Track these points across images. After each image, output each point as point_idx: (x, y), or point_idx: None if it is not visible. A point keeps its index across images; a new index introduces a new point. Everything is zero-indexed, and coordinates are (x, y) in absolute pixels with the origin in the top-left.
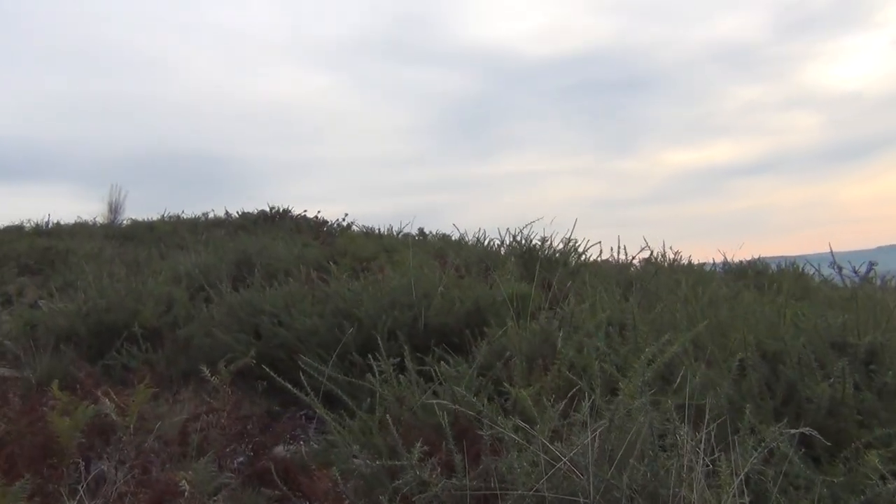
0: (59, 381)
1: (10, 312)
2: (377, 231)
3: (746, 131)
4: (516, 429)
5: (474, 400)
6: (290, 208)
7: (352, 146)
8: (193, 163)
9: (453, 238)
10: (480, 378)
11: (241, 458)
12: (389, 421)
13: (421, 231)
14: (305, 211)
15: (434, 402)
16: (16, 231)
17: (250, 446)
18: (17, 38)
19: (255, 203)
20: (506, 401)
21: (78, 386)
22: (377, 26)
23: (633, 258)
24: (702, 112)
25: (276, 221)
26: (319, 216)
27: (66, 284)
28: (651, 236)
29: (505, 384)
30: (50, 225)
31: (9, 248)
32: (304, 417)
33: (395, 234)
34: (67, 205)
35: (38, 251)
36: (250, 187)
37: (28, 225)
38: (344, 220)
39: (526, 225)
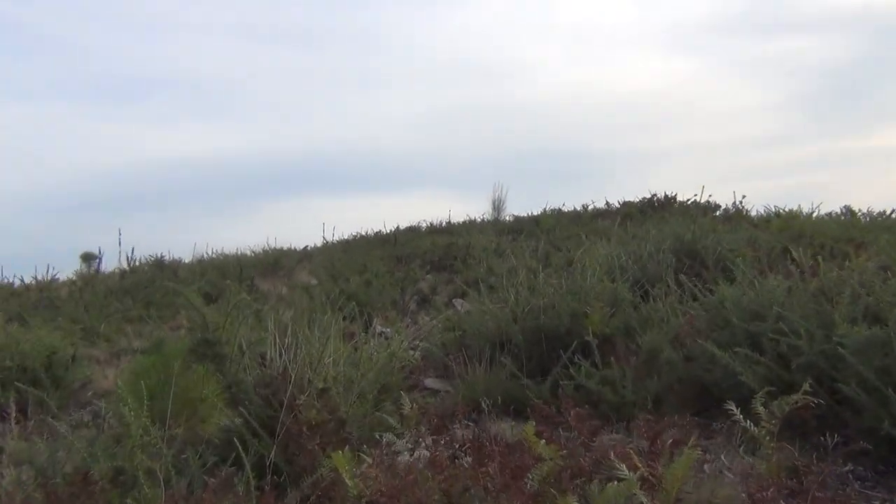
0: (504, 402)
1: (429, 313)
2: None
3: None
4: None
5: None
6: (675, 194)
7: (714, 129)
8: (557, 161)
9: None
10: None
11: None
12: None
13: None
14: (696, 195)
15: None
16: (413, 231)
17: None
18: (394, 59)
19: (622, 193)
20: None
21: (529, 412)
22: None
23: None
24: None
25: (664, 208)
26: (711, 200)
27: (476, 280)
28: None
29: None
30: (443, 224)
31: (413, 247)
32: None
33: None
34: (450, 207)
35: (441, 248)
36: (612, 179)
37: (424, 225)
38: (741, 202)
39: None
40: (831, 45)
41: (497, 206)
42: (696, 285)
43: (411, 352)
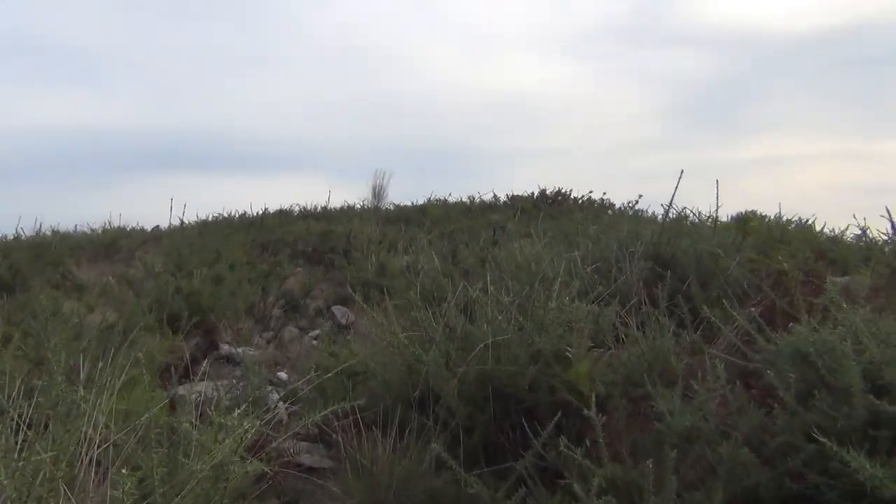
0: None
1: (299, 324)
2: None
3: None
4: None
5: None
6: (570, 190)
7: (589, 133)
8: (441, 156)
9: None
10: None
11: None
12: None
13: None
14: (591, 192)
15: None
16: (284, 216)
17: None
18: (278, 42)
19: (508, 189)
20: None
21: None
22: (616, 12)
23: None
24: None
25: (559, 204)
26: (605, 199)
27: (365, 282)
28: None
29: None
30: (319, 209)
31: (282, 233)
32: None
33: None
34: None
35: (316, 235)
36: (487, 176)
37: (296, 209)
38: (636, 201)
39: None
40: (705, 58)
41: (378, 193)
42: (675, 308)
43: (274, 397)
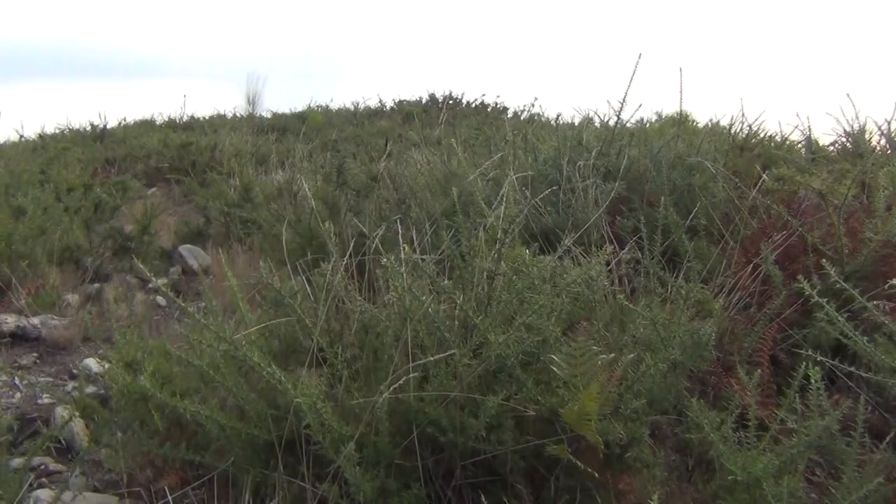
0: None
1: (131, 273)
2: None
3: None
4: None
5: None
6: (462, 94)
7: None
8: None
9: None
10: None
11: None
12: None
13: None
14: (483, 95)
15: None
16: (146, 126)
17: None
18: None
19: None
20: None
21: None
22: None
23: None
24: None
25: (451, 108)
26: (499, 102)
27: (223, 212)
28: None
29: None
30: (184, 119)
31: (135, 145)
32: None
33: None
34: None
35: (174, 149)
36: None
37: (160, 118)
38: (533, 104)
39: None
40: None
41: (252, 100)
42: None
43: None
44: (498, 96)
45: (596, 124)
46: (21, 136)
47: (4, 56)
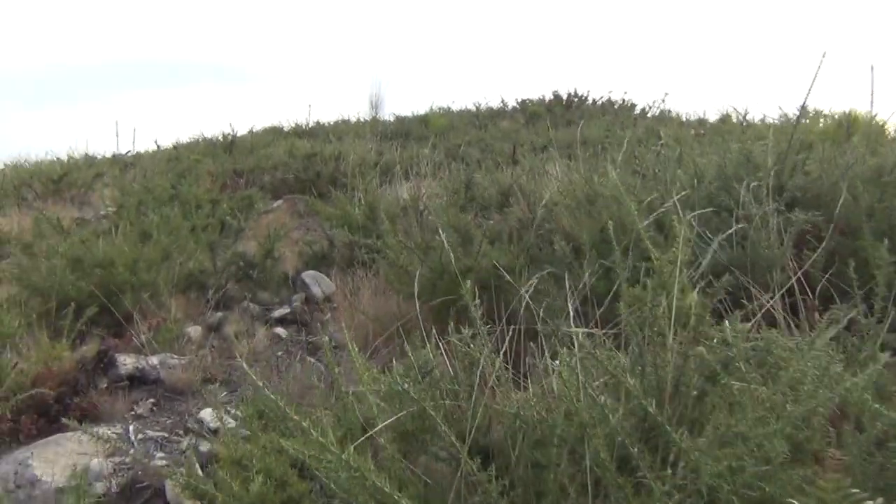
0: None
1: (257, 299)
2: None
3: None
4: None
5: None
6: (586, 92)
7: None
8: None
9: None
10: None
11: None
12: None
13: None
14: (610, 93)
15: None
16: (273, 133)
17: None
18: None
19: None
20: None
21: None
22: None
23: None
24: None
25: (577, 107)
26: (627, 99)
27: (346, 226)
28: None
29: None
30: (309, 125)
31: (262, 156)
32: None
33: None
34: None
35: (299, 159)
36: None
37: (287, 125)
38: (663, 100)
39: None
40: None
41: (375, 103)
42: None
43: None
44: (625, 93)
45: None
46: (158, 147)
47: (132, 66)
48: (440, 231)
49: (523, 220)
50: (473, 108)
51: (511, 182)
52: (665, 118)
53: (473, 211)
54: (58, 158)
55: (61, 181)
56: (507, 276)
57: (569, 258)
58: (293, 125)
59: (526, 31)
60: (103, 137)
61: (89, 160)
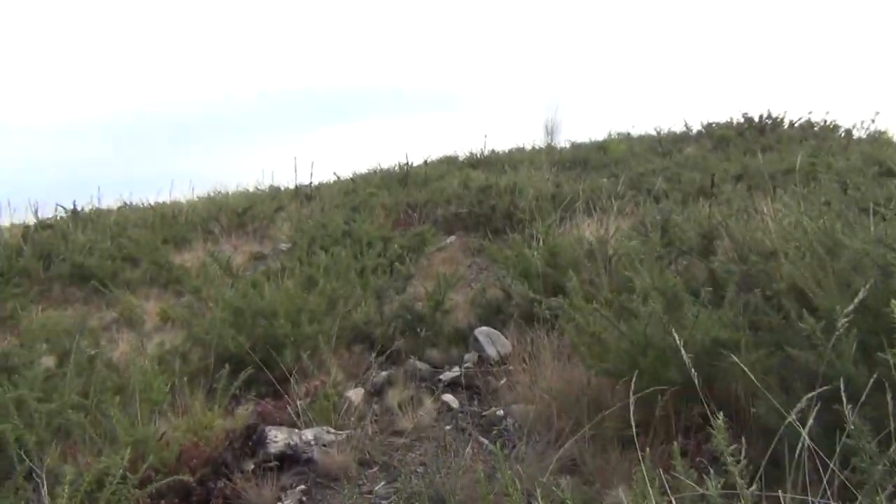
0: None
1: (426, 361)
2: None
3: None
4: None
5: None
6: (782, 114)
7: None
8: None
9: None
10: None
11: None
12: None
13: None
14: (810, 114)
15: None
16: (448, 163)
17: None
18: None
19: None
20: None
21: None
22: None
23: None
24: None
25: (771, 130)
26: (829, 120)
27: (525, 273)
28: None
29: None
30: (483, 154)
31: (435, 189)
32: None
33: None
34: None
35: (473, 192)
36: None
37: (461, 154)
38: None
39: None
40: None
41: (550, 130)
42: None
43: None
44: (827, 112)
45: None
46: (337, 177)
47: (299, 103)
48: (640, 295)
49: (731, 269)
50: (654, 133)
51: (715, 222)
52: (877, 140)
53: (670, 257)
54: (246, 190)
55: (245, 214)
56: (734, 357)
57: (819, 338)
58: (468, 154)
59: (709, 50)
60: (298, 168)
61: (273, 191)
